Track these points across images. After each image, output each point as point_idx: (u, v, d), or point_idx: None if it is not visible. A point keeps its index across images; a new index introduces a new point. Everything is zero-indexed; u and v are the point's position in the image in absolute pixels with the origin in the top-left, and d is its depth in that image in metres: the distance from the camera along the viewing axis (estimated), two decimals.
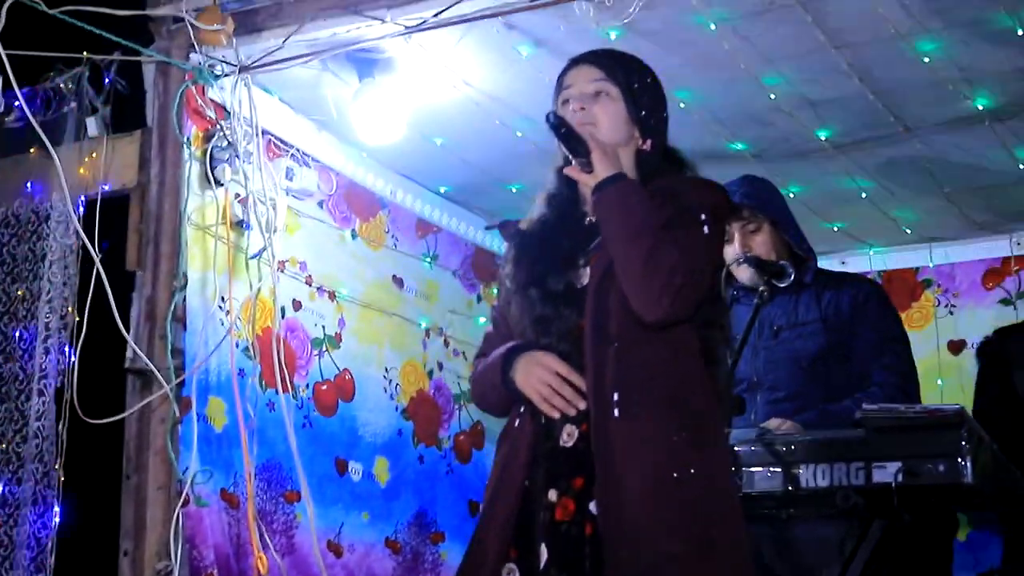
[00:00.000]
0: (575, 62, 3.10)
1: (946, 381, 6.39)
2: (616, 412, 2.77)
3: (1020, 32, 4.32)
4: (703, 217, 2.85)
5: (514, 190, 5.80)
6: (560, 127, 2.91)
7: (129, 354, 4.46)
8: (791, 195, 5.71)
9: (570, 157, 2.94)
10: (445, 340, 6.07)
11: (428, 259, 6.06)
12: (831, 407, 4.03)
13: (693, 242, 2.81)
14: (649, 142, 3.04)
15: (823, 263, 6.58)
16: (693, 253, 2.80)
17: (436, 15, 4.30)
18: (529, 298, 2.98)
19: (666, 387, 2.81)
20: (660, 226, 2.80)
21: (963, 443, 3.45)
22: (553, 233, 3.03)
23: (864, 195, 5.76)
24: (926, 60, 4.52)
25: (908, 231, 6.25)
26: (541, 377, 2.88)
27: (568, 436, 2.88)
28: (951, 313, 6.54)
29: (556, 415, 2.88)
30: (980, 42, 4.43)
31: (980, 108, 4.89)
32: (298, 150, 5.22)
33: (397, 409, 5.68)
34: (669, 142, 3.11)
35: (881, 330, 4.19)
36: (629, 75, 3.04)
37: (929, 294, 6.61)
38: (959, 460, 3.40)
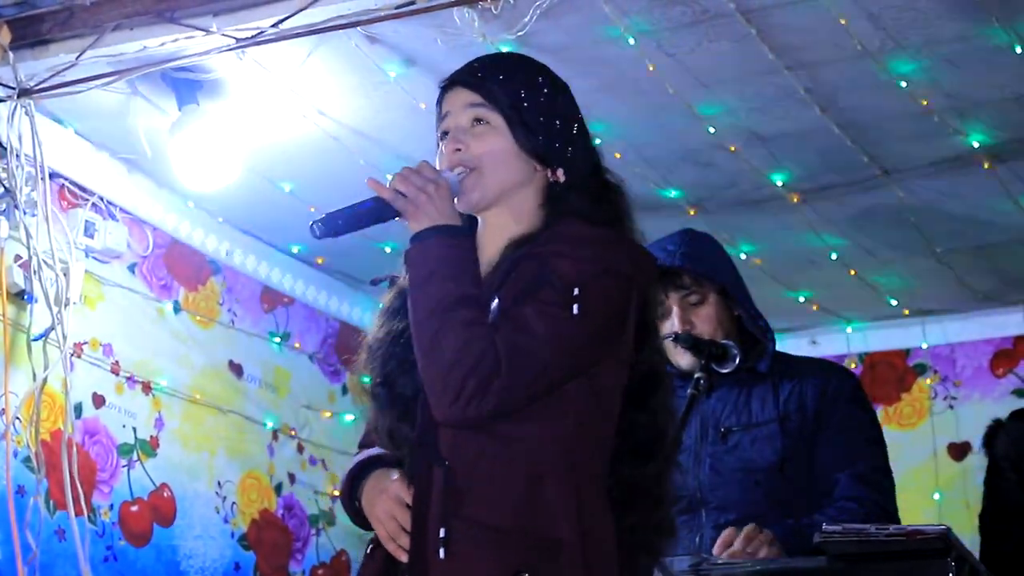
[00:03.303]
0: (449, 83, 3.08)
1: (946, 495, 6.43)
2: (441, 552, 2.75)
3: (1019, 50, 4.39)
4: (575, 293, 2.80)
5: (388, 250, 5.77)
6: (332, 229, 2.87)
7: None
8: (742, 255, 5.76)
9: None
10: (299, 445, 6.00)
11: (277, 339, 6.01)
12: (804, 521, 4.02)
13: (534, 327, 2.76)
14: (561, 171, 3.00)
15: (787, 343, 6.66)
16: (530, 338, 2.76)
17: (276, 24, 4.27)
18: (378, 400, 2.96)
19: (514, 516, 2.77)
20: (467, 304, 2.76)
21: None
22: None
23: (834, 256, 5.81)
24: (903, 85, 4.59)
25: (894, 302, 6.30)
26: (385, 508, 2.86)
27: None
28: (951, 407, 6.60)
29: (405, 558, 2.86)
30: (970, 63, 4.50)
31: (975, 146, 4.97)
32: (101, 198, 5.17)
33: (233, 536, 5.59)
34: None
35: (852, 432, 4.19)
36: (514, 91, 2.99)
37: (923, 383, 6.66)
38: None
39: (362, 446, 3.14)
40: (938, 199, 5.36)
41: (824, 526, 3.64)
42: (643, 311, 2.90)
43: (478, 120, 2.97)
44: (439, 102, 3.05)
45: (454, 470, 2.76)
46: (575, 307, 2.74)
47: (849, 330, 6.69)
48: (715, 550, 3.81)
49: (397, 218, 2.83)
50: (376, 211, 2.81)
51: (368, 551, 2.97)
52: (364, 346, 3.01)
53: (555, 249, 2.84)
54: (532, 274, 2.80)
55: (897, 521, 4.18)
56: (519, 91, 2.99)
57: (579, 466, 2.81)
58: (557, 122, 3.00)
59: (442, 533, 2.74)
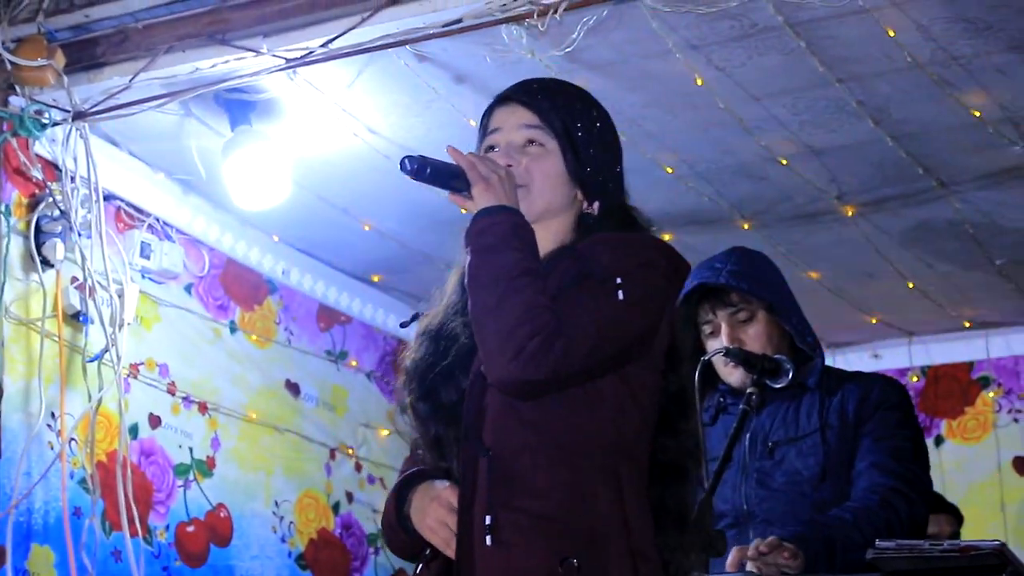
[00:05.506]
0: (503, 99, 3.12)
1: (1011, 508, 6.39)
2: (488, 540, 2.78)
3: None
4: (617, 281, 2.86)
5: (446, 267, 5.79)
6: (421, 170, 2.91)
7: None
8: (799, 270, 5.74)
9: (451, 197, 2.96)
10: (357, 464, 6.01)
11: (334, 358, 6.03)
12: (819, 518, 4.01)
13: (584, 308, 2.81)
14: (596, 204, 3.06)
15: (849, 357, 6.67)
16: (579, 315, 2.81)
17: (325, 44, 4.32)
18: (420, 415, 2.99)
19: (560, 506, 2.81)
20: (533, 275, 2.81)
21: None
22: (455, 326, 3.03)
23: (892, 269, 5.78)
24: (955, 96, 4.57)
25: (954, 314, 6.26)
26: (437, 516, 2.89)
27: None
28: (1016, 421, 6.55)
29: None
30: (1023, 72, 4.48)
31: None
32: (157, 219, 5.22)
33: (291, 555, 5.61)
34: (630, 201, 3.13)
35: (887, 432, 4.18)
36: (570, 119, 3.03)
37: (987, 396, 6.62)
38: None
39: (402, 473, 3.17)
40: (995, 211, 5.33)
41: (877, 542, 3.63)
42: (674, 329, 2.96)
43: (532, 141, 3.02)
44: (488, 116, 3.10)
45: (499, 460, 2.80)
46: (620, 293, 2.81)
47: (911, 343, 6.65)
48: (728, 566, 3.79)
49: (463, 193, 2.87)
50: (456, 175, 2.85)
51: (418, 569, 2.99)
52: (402, 369, 3.05)
53: (594, 248, 2.92)
54: (574, 268, 2.87)
55: (925, 509, 4.14)
56: (575, 120, 3.05)
57: (619, 465, 2.86)
58: (604, 156, 3.07)
59: (488, 520, 2.77)
